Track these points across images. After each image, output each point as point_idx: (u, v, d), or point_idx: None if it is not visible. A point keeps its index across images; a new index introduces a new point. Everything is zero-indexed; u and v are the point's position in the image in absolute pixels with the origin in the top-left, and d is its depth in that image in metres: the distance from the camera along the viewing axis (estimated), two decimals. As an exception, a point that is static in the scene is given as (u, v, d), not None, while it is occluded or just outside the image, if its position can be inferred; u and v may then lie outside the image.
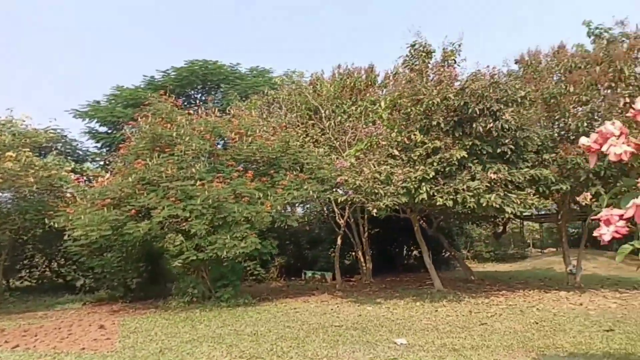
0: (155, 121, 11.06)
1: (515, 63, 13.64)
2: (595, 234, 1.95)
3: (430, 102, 10.07)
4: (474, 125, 9.62)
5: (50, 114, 49.25)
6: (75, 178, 12.67)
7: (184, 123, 11.31)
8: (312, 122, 14.38)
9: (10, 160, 10.76)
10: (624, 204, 1.89)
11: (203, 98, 26.88)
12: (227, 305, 10.51)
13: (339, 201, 10.69)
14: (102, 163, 24.71)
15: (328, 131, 14.01)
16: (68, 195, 13.94)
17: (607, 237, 1.85)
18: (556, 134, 11.12)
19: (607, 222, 1.83)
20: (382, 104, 11.19)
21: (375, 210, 9.56)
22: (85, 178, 13.20)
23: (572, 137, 10.88)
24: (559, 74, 12.12)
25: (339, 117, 13.73)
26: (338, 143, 14.02)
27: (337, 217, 14.87)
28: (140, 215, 9.88)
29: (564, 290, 11.55)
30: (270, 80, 25.52)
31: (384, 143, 10.35)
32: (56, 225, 10.58)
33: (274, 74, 26.62)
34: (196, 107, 13.86)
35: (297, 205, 15.51)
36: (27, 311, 11.19)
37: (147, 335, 7.67)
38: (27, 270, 15.30)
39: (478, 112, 9.53)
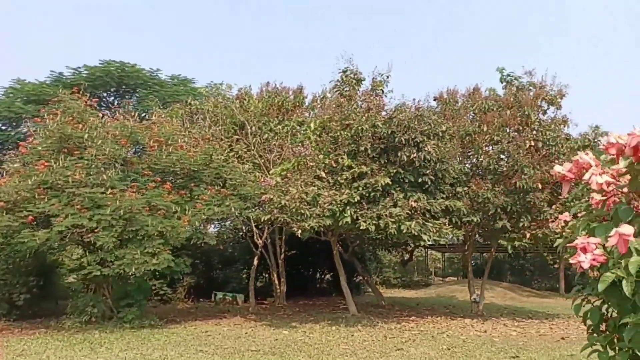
0: (65, 120, 10.02)
1: (434, 100, 14.54)
2: (572, 261, 1.98)
3: (359, 127, 10.29)
4: (399, 154, 9.98)
5: None
6: None
7: (97, 125, 10.39)
8: (237, 137, 14.01)
9: None
10: (599, 233, 1.94)
11: (116, 102, 25.25)
12: (130, 327, 9.60)
13: (262, 220, 10.38)
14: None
15: (253, 148, 13.73)
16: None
17: (585, 265, 1.88)
18: (469, 169, 11.91)
19: (584, 250, 1.86)
20: (312, 125, 11.22)
21: (300, 231, 9.41)
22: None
23: (482, 173, 11.75)
24: (473, 114, 13.12)
25: (266, 135, 13.53)
26: (263, 161, 13.78)
27: (255, 237, 14.48)
28: (38, 222, 8.76)
29: (469, 318, 12.20)
30: (192, 90, 24.71)
31: (311, 164, 10.32)
32: None
33: (196, 84, 25.93)
34: (112, 110, 12.90)
35: (212, 222, 14.89)
36: None
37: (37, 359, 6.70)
38: None
39: (403, 142, 9.92)
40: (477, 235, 14.46)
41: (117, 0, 50.45)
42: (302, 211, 9.32)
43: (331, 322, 11.11)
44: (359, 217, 9.54)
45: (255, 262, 14.82)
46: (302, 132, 14.55)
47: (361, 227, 9.40)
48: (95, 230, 8.68)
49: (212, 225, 16.42)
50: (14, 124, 22.47)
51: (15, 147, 22.74)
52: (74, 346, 7.81)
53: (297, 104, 15.66)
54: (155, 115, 12.53)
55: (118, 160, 10.10)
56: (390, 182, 9.80)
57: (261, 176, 12.64)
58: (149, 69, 24.85)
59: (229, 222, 17.32)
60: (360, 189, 9.81)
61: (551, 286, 24.37)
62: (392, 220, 9.31)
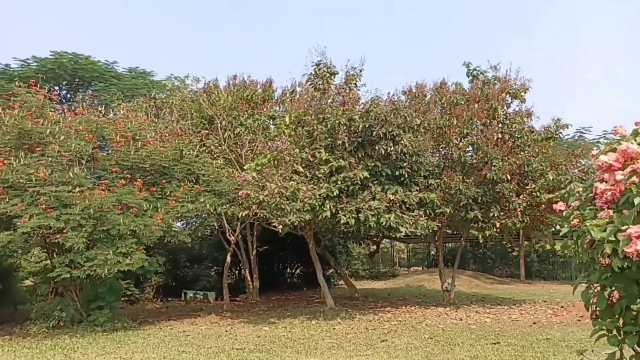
0: (23, 115, 9.39)
1: (403, 94, 14.70)
2: (628, 249, 2.00)
3: (335, 121, 10.25)
4: (377, 148, 10.02)
5: None
6: None
7: (58, 120, 9.81)
8: (207, 132, 13.64)
9: None
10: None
11: (69, 96, 24.03)
12: (102, 330, 9.17)
13: (240, 216, 10.16)
14: None
15: (224, 142, 13.41)
16: None
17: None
18: (440, 162, 12.14)
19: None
20: (287, 119, 11.06)
21: (280, 227, 9.28)
22: None
23: (453, 166, 12.00)
24: (442, 108, 13.36)
25: (238, 129, 13.25)
26: (234, 156, 13.49)
27: (227, 234, 14.19)
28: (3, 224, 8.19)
29: (441, 306, 12.50)
30: (152, 83, 23.87)
31: (288, 159, 10.19)
32: None
33: (155, 77, 25.08)
34: (69, 103, 12.22)
35: (180, 220, 14.46)
36: None
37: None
38: None
39: (381, 135, 9.96)
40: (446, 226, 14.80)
41: (66, -11, 47.95)
42: (282, 206, 9.19)
43: (309, 317, 11.07)
44: (339, 211, 9.52)
45: (228, 259, 14.56)
46: (274, 126, 14.39)
47: (341, 221, 9.39)
48: (64, 231, 8.20)
49: (180, 223, 15.98)
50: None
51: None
52: (44, 353, 7.37)
53: (267, 97, 15.44)
54: (122, 109, 11.98)
55: (84, 157, 9.58)
56: (368, 176, 9.84)
57: (234, 172, 12.38)
58: (104, 61, 23.82)
59: (194, 219, 16.94)
60: (339, 182, 9.78)
61: (511, 273, 25.40)
62: (372, 213, 9.35)
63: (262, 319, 11.00)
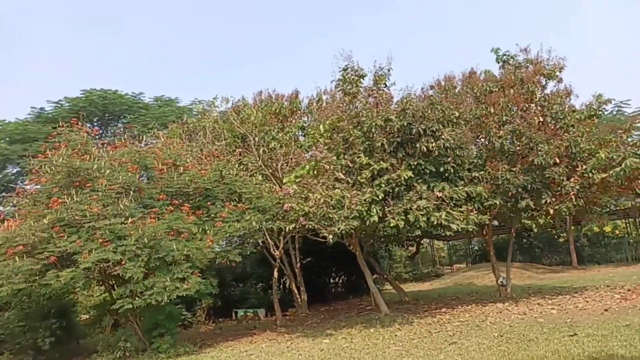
0: (69, 153, 9.66)
1: (431, 88, 14.47)
2: None
3: (371, 123, 10.12)
4: (418, 145, 9.84)
5: None
6: None
7: (103, 154, 10.05)
8: (240, 150, 13.76)
9: None
10: None
11: (101, 131, 24.74)
12: (167, 357, 9.26)
13: (287, 230, 10.13)
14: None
15: (258, 159, 13.48)
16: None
17: None
18: (483, 153, 11.83)
19: None
20: (321, 127, 11.01)
21: (331, 236, 9.18)
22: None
23: (496, 155, 11.66)
24: (475, 97, 13.05)
25: (272, 144, 13.30)
26: (270, 171, 13.54)
27: (272, 249, 14.19)
28: (60, 262, 8.38)
29: (499, 302, 12.08)
30: (179, 109, 24.36)
31: (327, 167, 10.11)
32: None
33: (180, 103, 25.61)
34: (112, 137, 12.52)
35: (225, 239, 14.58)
36: None
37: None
38: None
39: (421, 132, 9.78)
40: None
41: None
42: (330, 215, 9.10)
43: (366, 325, 10.89)
44: (387, 214, 9.35)
45: (275, 274, 14.53)
46: (305, 136, 14.37)
47: (391, 224, 9.22)
48: (122, 262, 8.34)
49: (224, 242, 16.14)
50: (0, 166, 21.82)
51: (5, 190, 22.20)
52: (116, 385, 7.47)
53: (294, 109, 15.50)
54: (161, 136, 12.21)
55: (131, 188, 9.75)
56: (412, 175, 9.65)
57: (272, 186, 12.41)
58: (131, 93, 24.48)
59: (237, 238, 17.07)
60: (383, 185, 9.63)
61: (562, 260, 24.51)
62: (421, 213, 9.15)
63: (319, 332, 10.89)
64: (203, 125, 14.42)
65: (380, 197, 9.56)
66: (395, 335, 9.26)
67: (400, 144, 10.21)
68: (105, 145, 11.26)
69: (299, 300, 15.81)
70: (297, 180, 10.94)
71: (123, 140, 11.17)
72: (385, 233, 15.91)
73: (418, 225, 9.35)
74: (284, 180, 11.38)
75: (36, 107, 22.74)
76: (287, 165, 13.48)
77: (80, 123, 10.69)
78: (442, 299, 15.19)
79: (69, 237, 8.45)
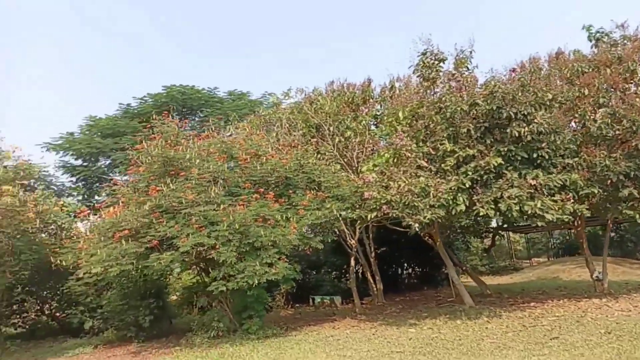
0: (163, 145, 10.26)
1: (513, 71, 13.69)
2: None
3: (456, 108, 9.77)
4: (508, 131, 9.36)
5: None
6: (80, 211, 11.59)
7: (195, 145, 10.57)
8: (315, 140, 13.89)
9: (9, 194, 9.68)
10: None
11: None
12: (257, 338, 9.63)
13: (369, 218, 10.09)
14: (80, 198, 23.24)
15: (334, 148, 13.54)
16: (63, 231, 12.87)
17: None
18: (578, 138, 11.03)
19: None
20: (400, 114, 10.81)
21: (416, 225, 9.02)
22: (89, 211, 12.05)
23: (593, 140, 10.82)
24: (564, 79, 12.18)
25: (347, 133, 13.29)
26: (345, 159, 13.55)
27: (347, 238, 14.24)
28: (162, 246, 8.96)
29: (595, 298, 11.28)
30: (251, 102, 25.07)
31: (408, 155, 9.91)
32: (64, 264, 9.52)
33: (252, 96, 26.32)
34: (191, 129, 13.12)
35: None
36: (33, 361, 9.91)
37: (190, 380, 6.76)
38: (18, 316, 13.76)
39: (512, 116, 9.29)
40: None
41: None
42: (415, 204, 8.93)
43: (450, 317, 10.63)
44: (476, 203, 9.02)
45: (352, 262, 14.58)
46: (379, 125, 14.17)
47: (480, 213, 8.88)
48: (216, 247, 8.76)
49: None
50: (92, 159, 23.65)
51: (98, 180, 24.07)
52: (214, 362, 7.86)
53: (367, 98, 15.34)
54: (246, 127, 12.63)
55: (220, 176, 10.18)
56: (502, 162, 9.21)
57: (349, 175, 12.43)
58: (207, 88, 25.53)
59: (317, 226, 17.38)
60: (470, 173, 9.29)
61: (658, 256, 22.45)
62: (514, 202, 8.71)
63: (401, 321, 10.79)
64: (279, 116, 14.70)
65: (467, 186, 9.23)
66: (486, 328, 8.95)
67: (488, 129, 9.76)
68: (192, 137, 11.78)
69: (375, 289, 15.77)
70: (375, 169, 10.86)
71: (210, 131, 11.66)
72: (464, 224, 15.47)
73: (509, 215, 8.92)
74: (363, 169, 11.34)
75: (123, 103, 24.38)
76: (362, 154, 13.42)
77: (170, 116, 11.29)
78: (528, 293, 14.46)
79: (167, 222, 9.00)
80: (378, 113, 14.80)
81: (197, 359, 8.24)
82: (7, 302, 12.83)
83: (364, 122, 14.14)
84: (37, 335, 13.22)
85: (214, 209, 9.19)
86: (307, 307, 16.52)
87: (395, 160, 10.41)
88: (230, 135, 13.01)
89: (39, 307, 14.18)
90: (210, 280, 9.23)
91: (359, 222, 13.12)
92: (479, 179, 9.35)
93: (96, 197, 23.44)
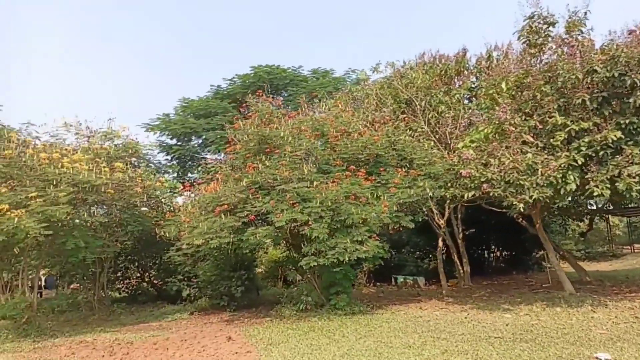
0: (258, 123, 10.55)
1: (629, 34, 12.18)
2: None
3: (569, 77, 8.89)
4: (631, 100, 8.36)
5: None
6: (183, 187, 12.46)
7: (288, 123, 10.76)
8: (405, 116, 13.49)
9: (120, 171, 10.57)
10: None
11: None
12: (344, 314, 9.76)
13: (465, 197, 9.68)
14: (174, 175, 24.91)
15: (425, 124, 13.08)
16: (164, 205, 13.87)
17: None
18: None
19: None
20: (503, 85, 10.09)
21: (521, 205, 8.48)
22: (190, 186, 12.88)
23: None
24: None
25: (440, 107, 12.75)
26: (438, 136, 13.06)
27: (436, 217, 13.84)
28: (258, 221, 9.33)
29: None
30: (335, 80, 25.02)
31: (512, 129, 9.26)
32: (167, 235, 10.27)
33: (335, 74, 26.21)
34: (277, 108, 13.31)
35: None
36: (139, 322, 10.90)
37: (288, 349, 7.01)
38: (122, 282, 15.23)
39: (637, 84, 8.27)
40: None
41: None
42: (521, 182, 8.37)
43: (547, 303, 9.98)
44: (590, 181, 8.25)
45: (440, 243, 14.20)
46: (485, 96, 13.38)
47: (594, 193, 8.12)
48: (309, 223, 8.92)
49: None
50: (186, 138, 25.11)
51: (191, 159, 25.54)
52: (307, 334, 8.06)
53: (461, 69, 14.55)
54: (340, 105, 12.64)
55: (312, 154, 10.30)
56: (622, 136, 8.29)
57: (442, 152, 11.98)
58: (292, 67, 25.85)
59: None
60: (583, 148, 8.48)
61: None
62: (635, 180, 7.84)
63: (493, 306, 10.35)
64: (367, 93, 14.47)
65: (580, 163, 8.45)
66: (592, 317, 8.28)
67: (606, 100, 8.79)
68: (284, 115, 11.99)
69: (461, 271, 15.26)
70: (472, 145, 10.33)
71: (303, 109, 11.80)
72: (563, 205, 14.31)
73: (628, 195, 8.05)
74: (459, 145, 10.84)
75: (214, 84, 25.50)
76: (456, 130, 12.84)
77: (264, 95, 11.56)
78: (634, 282, 13.20)
79: (262, 198, 9.31)
80: (473, 86, 14.02)
81: (287, 330, 8.52)
82: (113, 269, 14.17)
83: (457, 95, 13.51)
84: (138, 300, 14.48)
85: (307, 186, 9.33)
86: (389, 287, 16.45)
87: (496, 135, 9.80)
88: (321, 113, 13.05)
89: (139, 275, 15.50)
90: (300, 256, 9.44)
91: (448, 201, 12.71)
92: (593, 155, 8.51)
93: (189, 175, 25.03)
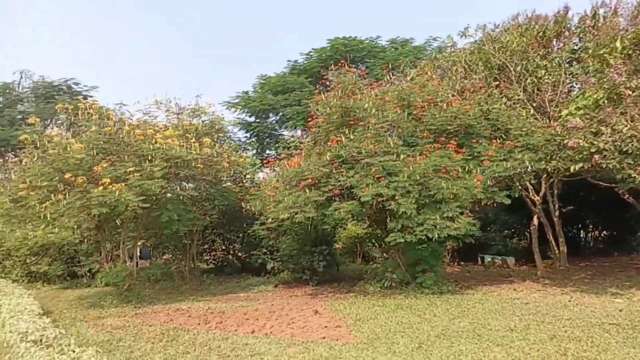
0: (341, 95, 10.24)
1: None
2: None
3: None
4: None
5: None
6: (266, 162, 12.64)
7: (371, 94, 10.35)
8: (498, 82, 12.45)
9: (208, 146, 10.86)
10: None
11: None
12: (431, 292, 9.38)
13: (572, 170, 8.75)
14: (253, 152, 25.54)
15: (521, 91, 11.99)
16: (248, 180, 14.20)
17: None
18: None
19: None
20: (618, 44, 8.88)
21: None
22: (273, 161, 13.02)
23: None
24: None
25: (539, 72, 11.59)
26: (535, 104, 11.93)
27: (531, 193, 12.81)
28: (342, 195, 9.13)
29: None
30: (415, 49, 23.90)
31: (629, 93, 8.12)
32: (252, 209, 10.45)
33: (415, 43, 25.03)
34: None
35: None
36: (227, 293, 11.32)
37: (378, 325, 6.83)
38: (209, 254, 15.95)
39: None
40: None
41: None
42: (642, 152, 7.36)
43: (667, 289, 8.87)
44: None
45: (535, 221, 13.16)
46: (591, 58, 12.02)
47: None
48: (395, 198, 8.55)
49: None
50: (264, 115, 25.50)
51: (268, 136, 25.96)
52: (395, 311, 7.82)
53: (561, 30, 13.06)
54: (429, 72, 11.99)
55: (399, 125, 9.84)
56: None
57: (541, 121, 10.94)
58: (369, 38, 25.06)
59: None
60: None
61: None
62: None
63: (599, 289, 9.43)
64: (454, 60, 13.53)
65: None
66: None
67: None
68: (366, 87, 11.56)
69: (557, 252, 14.11)
70: (579, 112, 9.26)
71: (389, 78, 11.29)
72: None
73: None
74: (563, 113, 9.79)
75: (291, 60, 25.48)
76: (557, 97, 11.64)
77: (347, 65, 11.19)
78: None
79: (346, 172, 9.06)
80: (576, 47, 12.58)
81: (374, 307, 8.32)
82: (201, 241, 14.82)
83: (557, 59, 12.21)
84: (224, 272, 15.05)
85: (393, 160, 8.93)
86: (475, 266, 15.69)
87: (608, 100, 8.69)
88: (404, 83, 12.44)
89: (224, 248, 16.11)
90: (384, 232, 9.12)
91: (546, 175, 11.67)
92: None
93: (267, 152, 25.53)
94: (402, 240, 8.74)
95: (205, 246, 15.73)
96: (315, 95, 11.01)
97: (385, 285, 9.95)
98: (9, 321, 6.68)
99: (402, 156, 8.96)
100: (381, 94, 10.71)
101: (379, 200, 8.71)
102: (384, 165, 8.87)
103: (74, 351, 4.79)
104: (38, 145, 10.39)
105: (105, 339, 6.65)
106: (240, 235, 15.24)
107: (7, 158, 11.33)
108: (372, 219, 10.93)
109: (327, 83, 11.04)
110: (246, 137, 25.70)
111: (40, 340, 5.34)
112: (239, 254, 15.65)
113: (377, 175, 8.76)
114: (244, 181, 14.70)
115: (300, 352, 5.54)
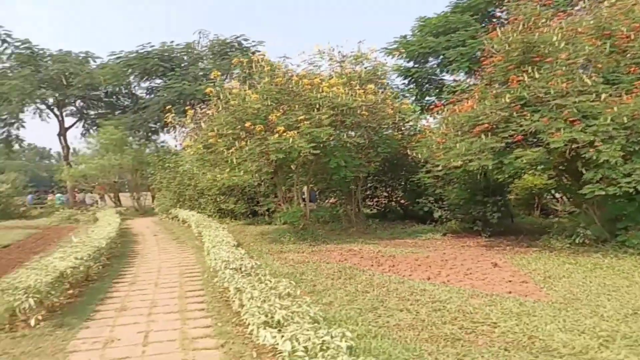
0: (522, 28, 9.01)
1: None
2: None
3: None
4: None
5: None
6: (434, 105, 12.17)
7: (558, 26, 8.90)
8: None
9: (372, 93, 10.79)
10: None
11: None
12: (637, 253, 8.02)
13: None
14: (412, 99, 24.71)
15: None
16: (411, 127, 13.89)
17: None
18: None
19: None
20: None
21: None
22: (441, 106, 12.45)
23: None
24: None
25: None
26: None
27: None
28: (525, 141, 8.25)
29: None
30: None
31: None
32: (418, 157, 10.18)
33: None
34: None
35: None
36: (394, 238, 11.49)
37: (574, 285, 6.12)
38: (372, 200, 16.32)
39: None
40: None
41: None
42: None
43: None
44: None
45: None
46: None
47: None
48: (594, 144, 7.38)
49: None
50: (422, 60, 24.23)
51: (428, 82, 24.78)
52: (592, 271, 6.90)
53: None
54: None
55: (599, 60, 8.34)
56: None
57: None
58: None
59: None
60: None
61: None
62: None
63: None
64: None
65: None
66: None
67: None
68: (551, 17, 9.98)
69: None
70: None
71: (581, 6, 9.59)
72: None
73: None
74: None
75: (455, -3, 23.42)
76: None
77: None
78: None
79: (530, 115, 8.09)
80: None
81: (564, 264, 7.48)
82: (365, 188, 15.13)
83: None
84: (388, 218, 15.27)
85: (591, 100, 7.64)
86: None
87: None
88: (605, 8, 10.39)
89: (387, 195, 16.23)
90: (576, 183, 7.99)
91: None
92: None
93: (427, 98, 24.45)
94: (602, 193, 7.59)
95: (368, 192, 16.13)
96: (484, 33, 9.91)
97: (577, 241, 8.82)
98: (212, 250, 7.76)
99: (602, 96, 7.60)
100: (573, 24, 9.12)
101: (572, 147, 7.62)
102: (578, 106, 7.66)
103: (270, 280, 5.30)
104: (221, 98, 11.56)
105: (289, 272, 7.31)
106: (403, 183, 15.18)
107: (196, 110, 12.86)
108: (559, 168, 9.70)
109: (496, 19, 9.77)
110: (404, 83, 24.98)
111: (240, 269, 6.06)
112: (402, 201, 15.67)
113: (570, 119, 7.63)
114: (405, 128, 14.39)
115: (485, 304, 5.28)
